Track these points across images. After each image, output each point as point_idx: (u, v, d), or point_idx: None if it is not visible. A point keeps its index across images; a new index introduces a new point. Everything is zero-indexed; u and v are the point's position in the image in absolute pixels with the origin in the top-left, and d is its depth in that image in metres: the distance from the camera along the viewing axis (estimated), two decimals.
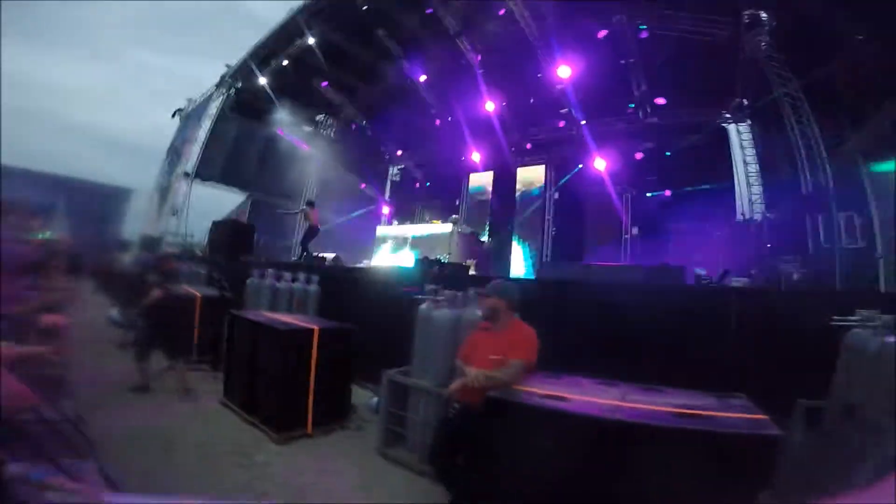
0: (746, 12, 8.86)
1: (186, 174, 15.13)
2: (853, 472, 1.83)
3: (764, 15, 8.76)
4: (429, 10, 11.76)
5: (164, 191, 15.56)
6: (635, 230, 11.95)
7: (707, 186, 11.38)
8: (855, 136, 7.91)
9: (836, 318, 2.42)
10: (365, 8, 11.94)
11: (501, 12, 11.57)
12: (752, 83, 10.31)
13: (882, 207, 7.27)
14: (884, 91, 7.06)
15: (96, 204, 14.52)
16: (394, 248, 12.77)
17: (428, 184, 17.68)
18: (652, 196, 12.11)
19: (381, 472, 3.38)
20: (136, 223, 15.48)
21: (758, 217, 10.76)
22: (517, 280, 3.03)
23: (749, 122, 11.39)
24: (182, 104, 16.95)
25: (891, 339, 2.12)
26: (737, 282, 4.12)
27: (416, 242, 10.79)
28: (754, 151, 11.27)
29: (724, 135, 11.69)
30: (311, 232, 10.13)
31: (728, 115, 11.58)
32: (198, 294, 6.10)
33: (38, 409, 2.11)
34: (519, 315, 2.84)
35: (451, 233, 9.33)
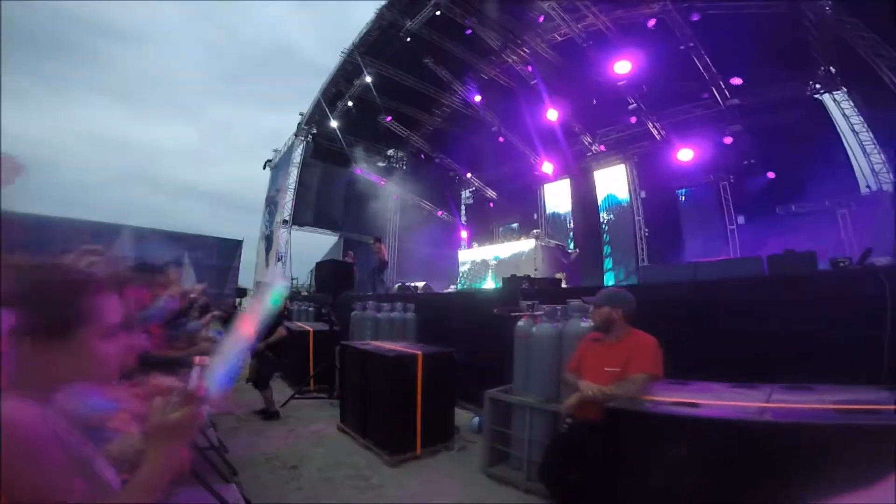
0: None
1: (285, 221, 16.61)
2: None
3: None
4: (468, 31, 11.94)
5: (268, 239, 17.27)
6: (741, 219, 10.87)
7: (817, 162, 10.08)
8: None
9: None
10: (409, 40, 12.43)
11: (541, 19, 11.46)
12: (833, 49, 9.28)
13: None
14: None
15: (213, 256, 16.51)
16: (479, 270, 12.81)
17: (502, 202, 17.70)
18: (752, 180, 11.02)
19: (488, 490, 3.39)
20: (247, 271, 17.32)
21: (888, 187, 9.40)
22: (619, 288, 2.88)
23: (844, 89, 10.19)
24: (270, 155, 18.73)
25: None
26: (881, 261, 3.52)
27: (501, 262, 10.74)
28: (860, 118, 10.04)
29: (819, 105, 10.58)
30: (381, 266, 10.66)
31: (818, 86, 10.47)
32: (310, 329, 6.67)
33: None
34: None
35: (535, 247, 9.17)
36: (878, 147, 9.78)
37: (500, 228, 17.14)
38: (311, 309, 9.50)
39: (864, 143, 9.97)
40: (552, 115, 12.82)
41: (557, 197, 15.61)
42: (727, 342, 3.01)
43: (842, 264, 3.07)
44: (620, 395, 2.21)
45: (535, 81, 12.49)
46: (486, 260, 12.14)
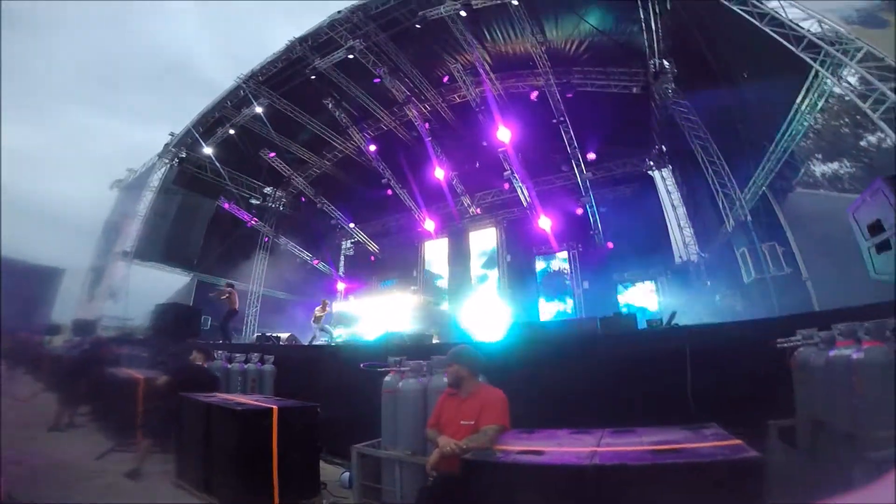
0: (652, 61, 9.46)
1: (125, 253, 14.06)
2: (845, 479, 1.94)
3: (667, 63, 9.31)
4: (376, 80, 12.19)
5: (99, 271, 14.31)
6: (586, 284, 12.44)
7: (645, 234, 11.91)
8: (759, 170, 8.19)
9: (780, 340, 2.65)
10: (313, 77, 12.26)
11: (445, 79, 12.38)
12: (668, 130, 10.87)
13: (797, 234, 7.77)
14: (773, 125, 7.45)
15: (22, 284, 13.11)
16: (351, 323, 12.43)
17: (382, 255, 17.60)
18: (596, 249, 12.66)
19: None
20: (67, 306, 14.02)
21: (693, 258, 11.47)
22: (477, 344, 3.18)
23: (670, 167, 12.21)
24: (122, 174, 15.92)
25: (832, 352, 2.36)
26: (684, 322, 4.42)
27: (376, 316, 10.60)
28: (679, 195, 12.04)
29: (650, 181, 12.61)
30: (230, 314, 9.90)
31: (651, 163, 12.52)
32: (140, 377, 5.70)
33: None
34: (485, 378, 2.92)
35: (412, 304, 9.31)
36: (688, 221, 11.86)
37: (380, 283, 16.86)
38: (145, 355, 8.08)
39: (679, 218, 12.02)
40: (439, 173, 13.50)
41: (436, 254, 16.20)
42: (569, 392, 3.40)
43: (654, 325, 3.75)
44: (474, 447, 2.33)
45: (429, 139, 13.06)
46: (363, 312, 11.85)
